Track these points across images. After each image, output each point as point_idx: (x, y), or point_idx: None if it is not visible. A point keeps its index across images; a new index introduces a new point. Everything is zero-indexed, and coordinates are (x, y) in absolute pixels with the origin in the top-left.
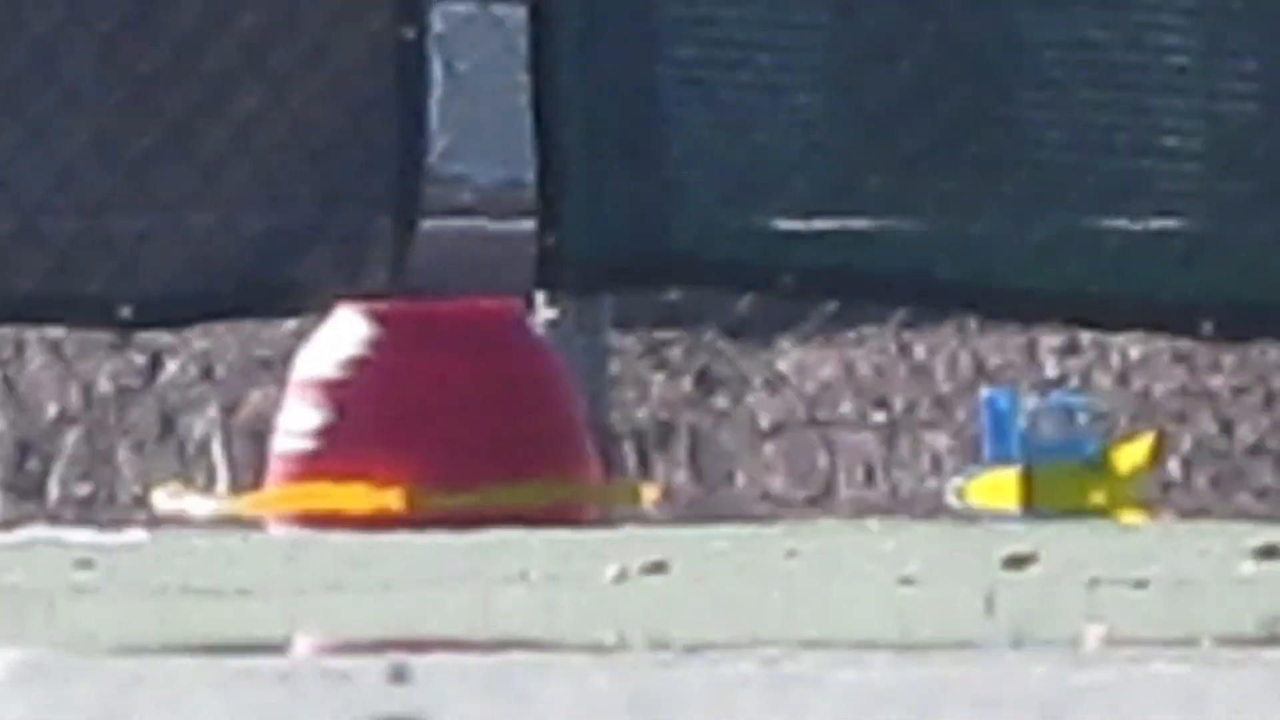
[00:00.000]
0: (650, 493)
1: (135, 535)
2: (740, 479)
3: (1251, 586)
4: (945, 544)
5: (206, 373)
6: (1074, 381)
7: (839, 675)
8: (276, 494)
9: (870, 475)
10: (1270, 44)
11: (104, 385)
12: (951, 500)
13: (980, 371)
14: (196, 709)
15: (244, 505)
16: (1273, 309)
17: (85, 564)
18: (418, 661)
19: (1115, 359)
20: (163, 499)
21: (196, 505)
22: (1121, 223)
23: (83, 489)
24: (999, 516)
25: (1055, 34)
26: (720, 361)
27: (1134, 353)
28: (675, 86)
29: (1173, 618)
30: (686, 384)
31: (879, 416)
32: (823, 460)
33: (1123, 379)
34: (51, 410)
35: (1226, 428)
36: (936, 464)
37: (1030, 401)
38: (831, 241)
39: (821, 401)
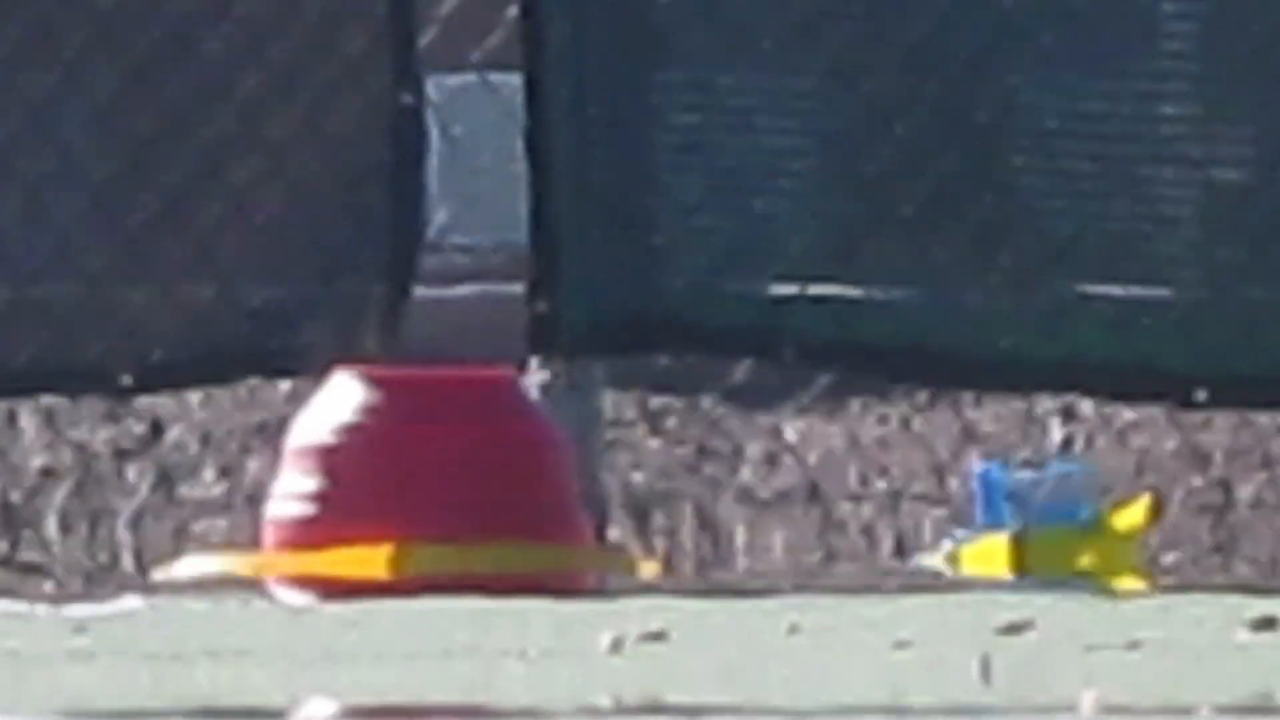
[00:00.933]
0: (650, 568)
1: (131, 603)
2: (739, 549)
3: (1249, 657)
4: (941, 613)
5: (205, 440)
6: (1074, 446)
7: None
8: (271, 559)
9: (870, 545)
10: (1265, 111)
11: (101, 449)
12: (941, 566)
13: (975, 440)
14: None
15: (240, 568)
16: (1267, 377)
17: (81, 629)
18: None
19: (1116, 423)
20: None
21: (193, 565)
22: (1117, 290)
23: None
24: (994, 584)
25: (1051, 102)
26: (717, 430)
27: (1129, 415)
28: (670, 152)
29: (1164, 691)
30: (684, 450)
31: (879, 486)
32: (821, 531)
33: (1121, 441)
34: (36, 466)
35: (1226, 488)
36: (936, 533)
37: (1024, 472)
38: (828, 309)
39: (822, 471)
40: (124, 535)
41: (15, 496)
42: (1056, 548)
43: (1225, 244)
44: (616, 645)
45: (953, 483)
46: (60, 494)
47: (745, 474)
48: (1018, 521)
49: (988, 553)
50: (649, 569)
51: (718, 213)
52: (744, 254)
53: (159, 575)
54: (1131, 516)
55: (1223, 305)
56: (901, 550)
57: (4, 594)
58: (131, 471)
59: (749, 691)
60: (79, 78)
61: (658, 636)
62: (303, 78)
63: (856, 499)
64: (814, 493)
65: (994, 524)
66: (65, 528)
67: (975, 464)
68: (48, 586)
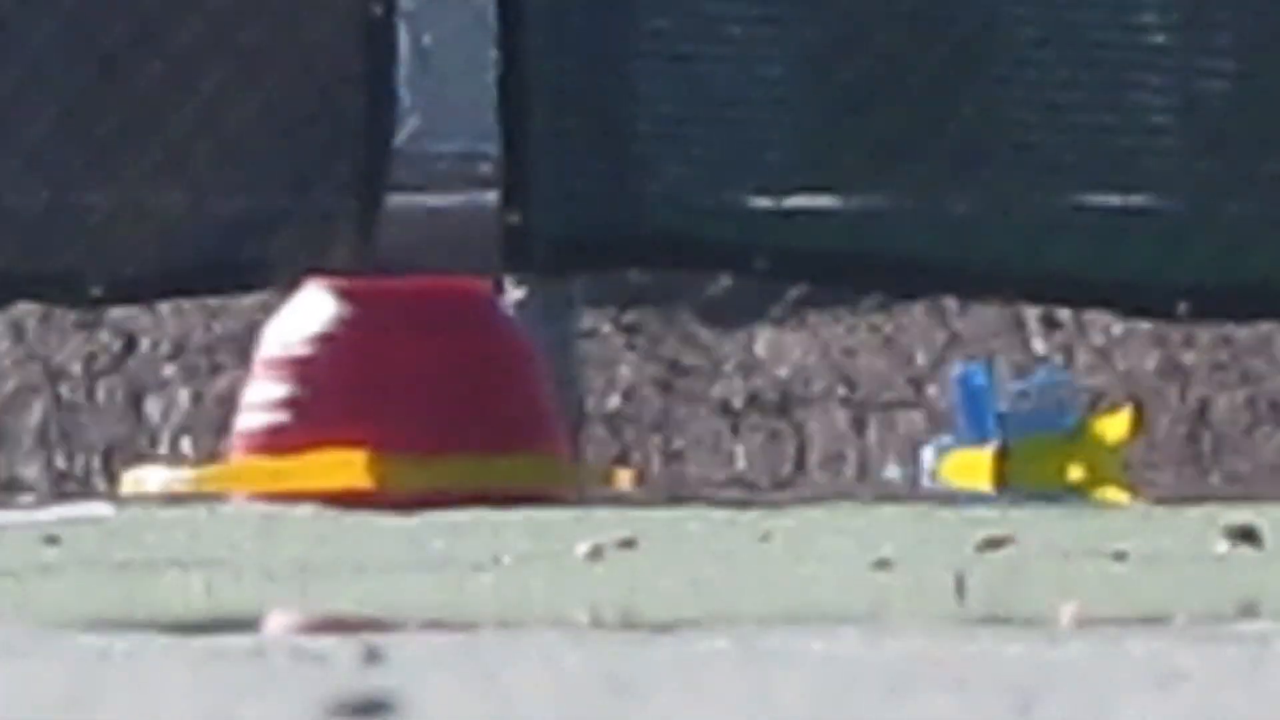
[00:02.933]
0: (625, 477)
1: (101, 509)
2: (712, 461)
3: (1228, 566)
4: (917, 525)
5: (176, 351)
6: (1055, 358)
7: (810, 649)
8: (241, 468)
9: (843, 456)
10: (1247, 22)
11: (73, 364)
12: (921, 476)
13: (957, 349)
14: (165, 686)
15: (208, 479)
16: (1249, 291)
17: (52, 538)
18: (391, 642)
19: (1096, 336)
20: (130, 481)
21: (157, 476)
22: (1098, 202)
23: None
24: (974, 497)
25: (1032, 14)
26: (691, 346)
27: (1116, 330)
28: (647, 62)
29: (1146, 599)
30: (658, 364)
31: (854, 396)
32: (795, 442)
33: (1103, 355)
34: (10, 386)
35: (1203, 404)
36: (913, 443)
37: (1007, 378)
38: (805, 221)
39: (795, 382)
40: (96, 448)
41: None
42: (1040, 457)
43: (1208, 157)
44: (595, 553)
45: (930, 390)
46: (35, 408)
47: (719, 386)
48: (1000, 429)
49: (969, 463)
50: (623, 480)
51: (694, 124)
52: (721, 166)
53: (128, 485)
54: (1116, 427)
55: (1205, 218)
56: (878, 460)
57: None
58: (101, 385)
59: (719, 600)
60: None
61: (630, 544)
62: None
63: (830, 409)
64: (786, 403)
65: (976, 431)
66: (40, 442)
67: (956, 367)
68: (24, 500)
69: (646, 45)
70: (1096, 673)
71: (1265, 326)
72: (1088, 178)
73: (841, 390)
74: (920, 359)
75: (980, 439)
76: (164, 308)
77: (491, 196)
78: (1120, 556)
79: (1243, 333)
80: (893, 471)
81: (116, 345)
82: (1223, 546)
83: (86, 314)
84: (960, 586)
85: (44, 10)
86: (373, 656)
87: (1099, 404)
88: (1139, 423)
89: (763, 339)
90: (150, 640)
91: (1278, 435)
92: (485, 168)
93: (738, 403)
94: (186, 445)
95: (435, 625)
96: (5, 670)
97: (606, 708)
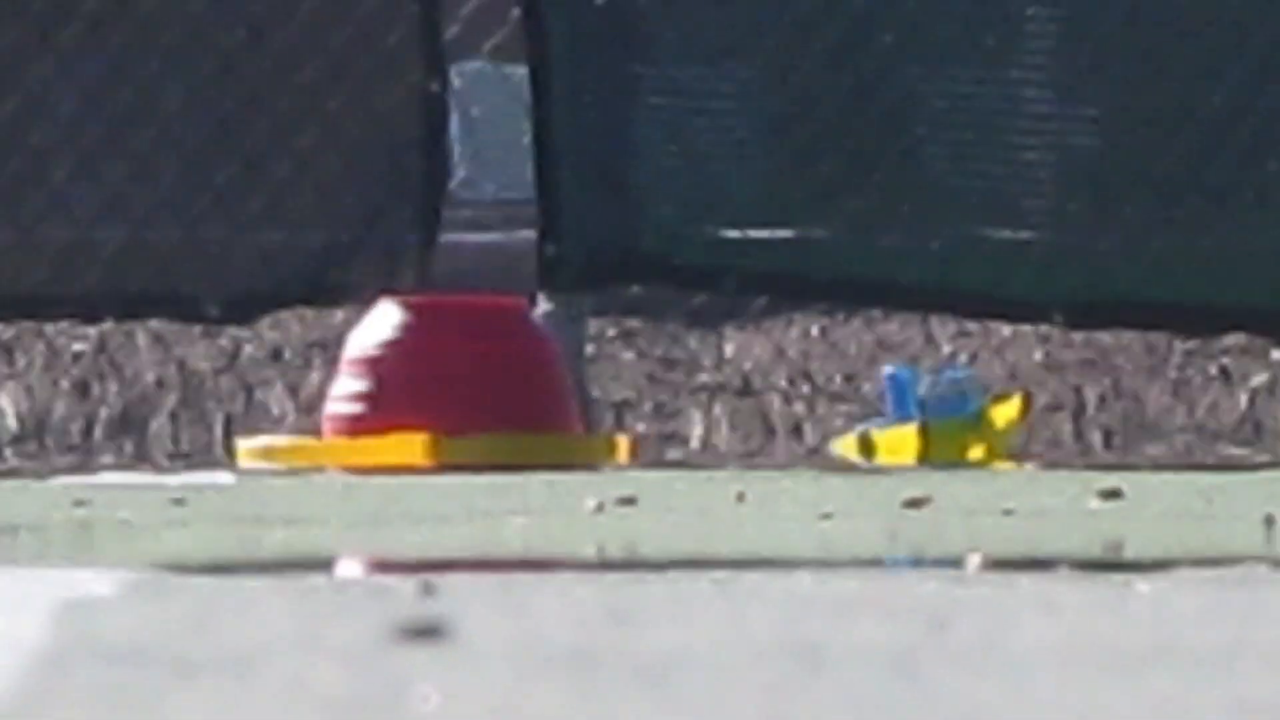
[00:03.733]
0: (624, 448)
1: (223, 477)
2: (693, 436)
3: (1100, 518)
4: (857, 487)
5: (275, 355)
6: (960, 358)
7: (770, 587)
8: (328, 446)
9: (797, 433)
10: (1110, 97)
11: (199, 364)
12: (852, 449)
13: (884, 350)
14: (267, 615)
15: (303, 454)
16: (1110, 303)
17: (173, 502)
18: (442, 578)
19: (992, 340)
20: (247, 446)
21: (264, 451)
22: (993, 234)
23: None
24: (902, 467)
25: (942, 88)
26: (678, 346)
27: (1006, 334)
28: (644, 128)
29: (1035, 545)
30: (650, 361)
31: (804, 386)
32: (759, 422)
33: (997, 354)
34: (151, 379)
35: (1077, 391)
36: (848, 423)
37: (924, 376)
38: (764, 249)
39: (756, 375)
40: (216, 429)
41: (132, 400)
42: (950, 436)
43: (1077, 201)
44: (599, 508)
45: (864, 385)
46: (170, 398)
47: (698, 378)
48: (920, 413)
49: (898, 441)
50: (623, 450)
51: (679, 178)
52: (699, 209)
53: (242, 459)
54: (1008, 412)
55: (1076, 249)
56: (824, 437)
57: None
58: (219, 381)
59: (702, 546)
60: (177, 68)
61: (629, 501)
62: (354, 66)
63: (786, 397)
64: (749, 391)
65: (901, 417)
66: (173, 423)
67: (886, 367)
68: (160, 469)
69: (643, 117)
70: (995, 603)
71: (1127, 335)
72: (985, 216)
73: (794, 382)
74: (855, 357)
75: (905, 420)
76: (265, 320)
77: (522, 234)
78: (1011, 513)
79: (1106, 337)
80: (835, 446)
81: (230, 349)
82: (1095, 504)
83: (208, 326)
84: (892, 534)
85: (174, 86)
86: (428, 589)
87: (994, 393)
88: (1027, 408)
89: (731, 341)
90: (256, 579)
91: (1135, 416)
92: (514, 210)
93: (713, 392)
94: (287, 428)
95: (476, 565)
96: (141, 605)
97: (610, 631)
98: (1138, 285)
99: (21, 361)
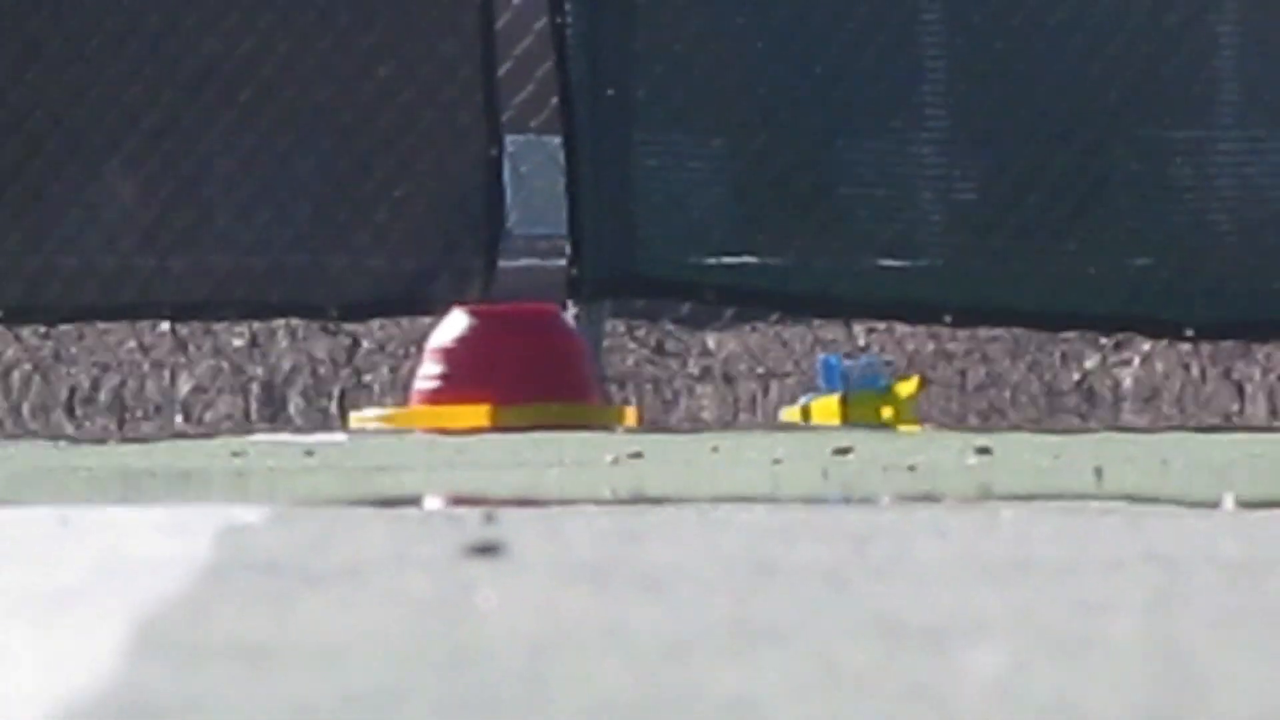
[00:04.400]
0: (631, 416)
1: (339, 437)
2: (683, 408)
3: (976, 469)
4: (799, 442)
5: (380, 347)
6: (873, 348)
7: (738, 518)
8: (417, 413)
9: (755, 404)
10: (982, 159)
11: (322, 353)
12: (784, 416)
13: (819, 344)
14: (371, 538)
15: (399, 419)
16: (986, 308)
17: (306, 455)
18: (499, 511)
19: (895, 334)
20: (361, 417)
21: (371, 416)
22: (896, 262)
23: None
24: (830, 427)
25: (862, 155)
26: (685, 343)
27: (905, 330)
28: (644, 183)
29: (930, 487)
30: (650, 352)
31: (763, 370)
32: (730, 397)
33: (899, 345)
34: (288, 365)
35: (1001, 374)
36: (794, 397)
37: (847, 362)
38: (735, 271)
39: (730, 363)
40: (334, 401)
41: (275, 381)
42: (865, 404)
43: (961, 234)
44: (614, 460)
45: (805, 369)
46: (299, 381)
47: (686, 365)
48: (843, 387)
49: (829, 408)
50: (630, 418)
51: (670, 219)
52: (684, 242)
53: (354, 423)
54: (908, 388)
55: (960, 270)
56: (777, 406)
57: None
58: (339, 367)
59: (690, 488)
60: (308, 141)
61: (636, 455)
62: (436, 138)
63: (749, 379)
64: (727, 376)
65: (831, 391)
66: (304, 397)
67: (820, 356)
68: (294, 431)
69: (643, 174)
70: (901, 529)
71: (996, 331)
72: (893, 249)
73: (754, 368)
74: (798, 350)
75: (833, 393)
76: (374, 323)
77: (556, 261)
78: (914, 468)
79: (982, 333)
80: (784, 413)
81: (347, 343)
82: (972, 459)
83: (331, 326)
84: (824, 476)
85: (305, 150)
86: (489, 518)
87: (898, 374)
88: (922, 385)
89: (711, 338)
90: (363, 510)
91: (1002, 392)
92: (550, 244)
93: (697, 375)
94: (389, 401)
95: (523, 501)
96: (279, 530)
97: (621, 549)
98: (1005, 296)
99: (194, 352)
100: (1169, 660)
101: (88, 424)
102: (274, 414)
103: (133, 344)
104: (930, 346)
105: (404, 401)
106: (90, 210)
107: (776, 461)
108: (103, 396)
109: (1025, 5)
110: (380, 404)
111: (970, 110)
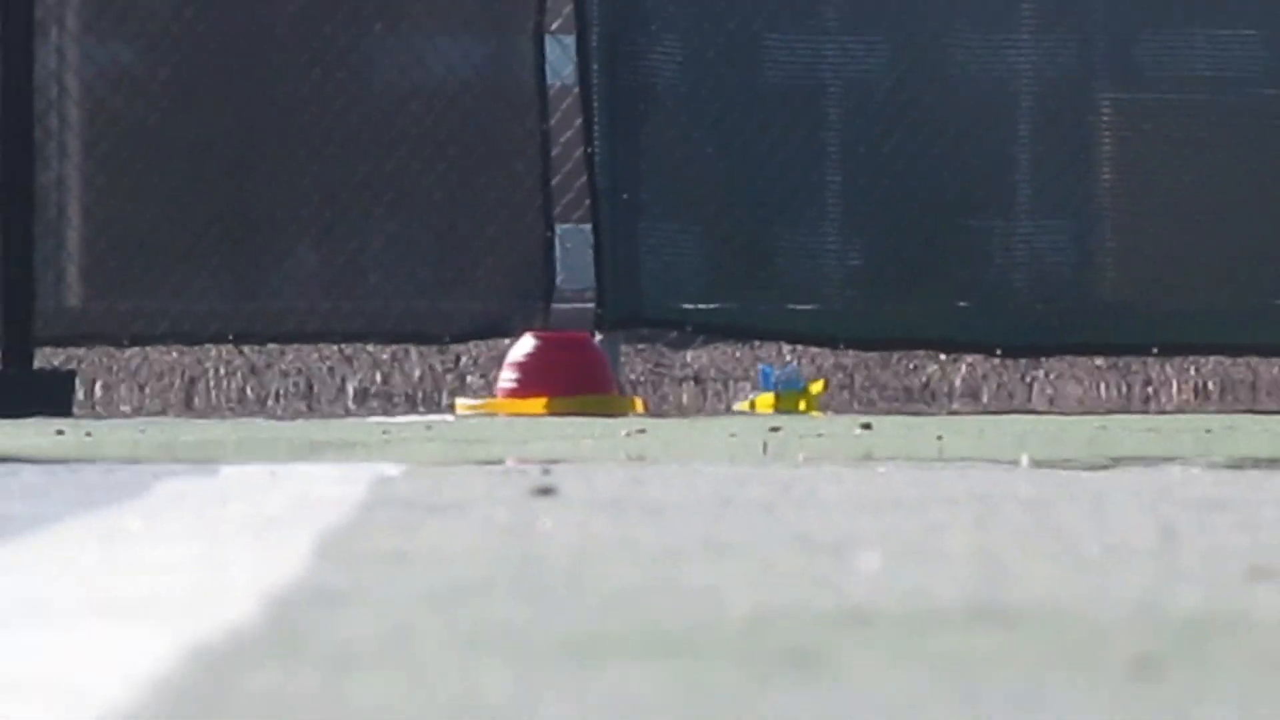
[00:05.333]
0: (640, 405)
1: (449, 417)
2: (672, 402)
3: (860, 439)
4: (747, 422)
5: (475, 361)
6: (792, 362)
7: (708, 471)
8: (500, 403)
9: (719, 398)
10: (872, 230)
11: (437, 364)
12: (737, 407)
13: (759, 359)
14: (474, 489)
15: (488, 407)
16: (872, 338)
17: (427, 430)
18: (553, 466)
19: (809, 353)
20: (463, 405)
21: (467, 404)
22: (809, 305)
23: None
24: (769, 414)
25: (788, 228)
26: (671, 359)
27: (815, 351)
28: (646, 255)
29: (831, 451)
30: (648, 365)
31: (723, 376)
32: (701, 393)
33: (812, 359)
34: (417, 374)
35: (876, 378)
36: (743, 396)
37: (777, 370)
38: (704, 312)
39: (704, 372)
40: (446, 394)
41: (408, 385)
42: (790, 399)
43: (853, 287)
44: (629, 434)
45: (750, 375)
46: (425, 383)
47: (674, 372)
48: (775, 388)
49: (765, 402)
50: (638, 406)
51: (663, 281)
52: (672, 294)
53: (459, 405)
54: (817, 387)
55: (850, 310)
56: (731, 400)
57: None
58: (447, 374)
59: (677, 452)
60: (430, 227)
61: (642, 431)
62: (515, 228)
63: (715, 382)
64: (699, 380)
65: (766, 390)
66: (421, 389)
67: (760, 366)
68: (419, 413)
69: (643, 250)
70: (810, 478)
71: (877, 350)
72: (804, 296)
73: (718, 376)
74: (746, 363)
75: (768, 391)
76: (471, 345)
77: (589, 305)
78: (820, 437)
79: (866, 353)
80: (736, 405)
81: (454, 358)
82: (858, 432)
83: (444, 348)
84: (764, 447)
85: (420, 225)
86: (546, 472)
87: (810, 378)
88: (825, 386)
89: (689, 355)
90: (466, 467)
91: (879, 388)
92: (584, 294)
93: (680, 379)
94: (481, 395)
95: (568, 460)
96: (412, 479)
97: (632, 491)
98: (880, 328)
99: (356, 363)
100: (986, 563)
101: (287, 409)
102: (408, 405)
103: (316, 357)
104: (830, 361)
105: (491, 395)
106: (289, 271)
107: (732, 435)
108: (297, 391)
109: (893, 131)
110: (475, 397)
111: (857, 203)
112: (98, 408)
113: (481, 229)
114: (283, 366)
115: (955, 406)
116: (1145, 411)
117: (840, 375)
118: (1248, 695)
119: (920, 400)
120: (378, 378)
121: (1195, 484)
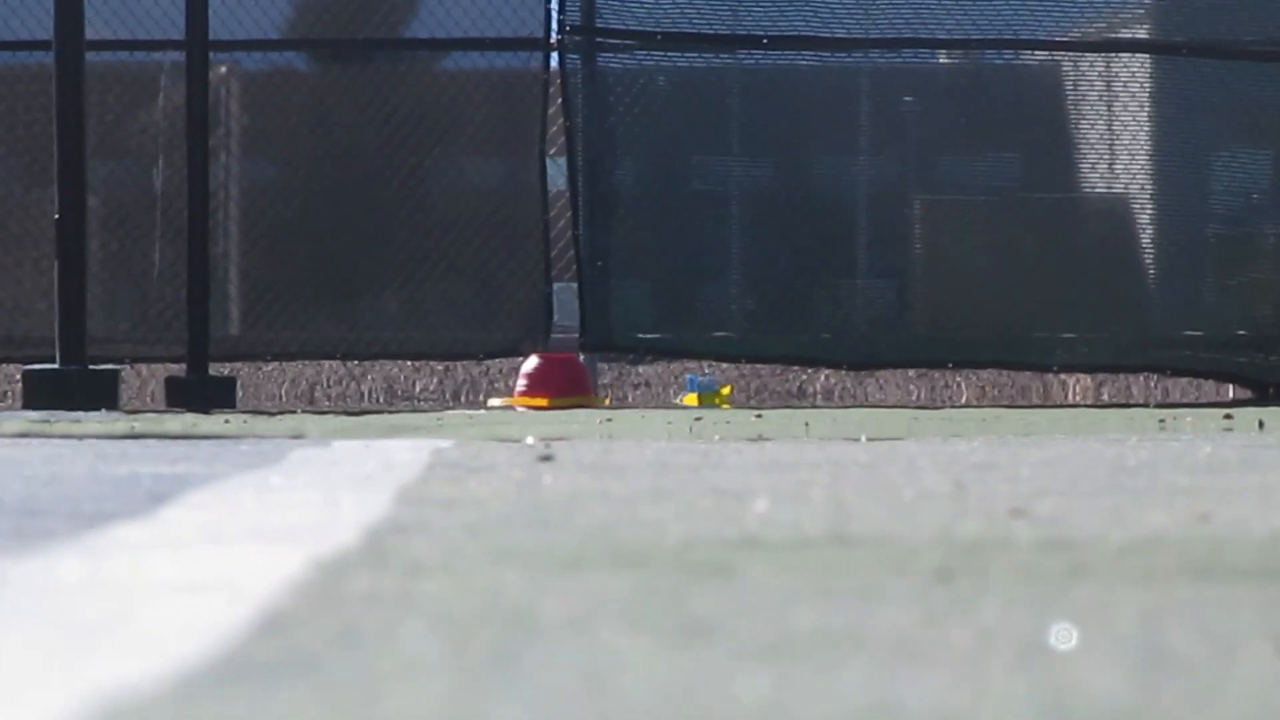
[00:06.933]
0: (607, 403)
1: (481, 412)
2: (637, 399)
3: (755, 424)
4: (684, 413)
5: (501, 372)
6: (711, 372)
7: (654, 445)
8: (515, 400)
9: (671, 395)
10: (768, 273)
11: (476, 374)
12: (677, 401)
13: (688, 370)
14: (498, 454)
15: (509, 403)
16: (779, 352)
17: (468, 418)
18: (552, 442)
19: (725, 368)
20: (492, 402)
21: (495, 402)
22: (735, 335)
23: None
24: (693, 406)
25: (707, 280)
26: (629, 371)
27: (730, 366)
28: (615, 303)
29: (735, 433)
30: (621, 377)
31: (677, 382)
32: (665, 393)
33: (724, 371)
34: (460, 380)
35: (766, 383)
36: (680, 393)
37: (700, 376)
38: (655, 342)
39: (660, 379)
40: (483, 395)
41: (456, 386)
42: (709, 397)
43: (757, 318)
44: (600, 422)
45: (681, 381)
46: (466, 386)
47: (632, 379)
48: (699, 389)
49: (691, 399)
50: (607, 403)
51: (626, 319)
52: (631, 327)
53: (489, 403)
54: (726, 390)
55: (754, 334)
56: (672, 397)
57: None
58: (481, 380)
59: (633, 433)
60: (464, 281)
61: (609, 420)
62: (520, 283)
63: (662, 385)
64: (648, 385)
65: (694, 390)
66: (461, 393)
67: (689, 375)
68: (459, 409)
69: (613, 300)
70: (722, 450)
71: (776, 363)
72: (719, 325)
73: (664, 381)
74: (679, 372)
75: (694, 392)
76: (497, 361)
77: (575, 334)
78: (728, 423)
79: (761, 365)
80: (677, 400)
81: (485, 370)
82: (754, 419)
83: (481, 361)
84: (690, 429)
85: (455, 280)
86: (548, 445)
87: (723, 383)
88: (732, 389)
89: (642, 368)
90: (494, 443)
91: (769, 394)
92: (572, 328)
93: (636, 385)
94: (504, 394)
95: (562, 438)
96: (458, 450)
97: (604, 457)
98: (777, 347)
99: (422, 374)
100: (837, 505)
101: (376, 405)
102: (456, 402)
103: (394, 369)
104: (735, 371)
105: (510, 394)
106: (378, 310)
107: (669, 422)
108: (382, 393)
109: (776, 220)
110: (500, 396)
111: (753, 268)
112: (250, 403)
113: (504, 285)
114: (372, 375)
115: (818, 403)
116: (943, 407)
117: (742, 382)
118: (1011, 593)
119: (795, 398)
120: (435, 383)
121: (975, 453)
